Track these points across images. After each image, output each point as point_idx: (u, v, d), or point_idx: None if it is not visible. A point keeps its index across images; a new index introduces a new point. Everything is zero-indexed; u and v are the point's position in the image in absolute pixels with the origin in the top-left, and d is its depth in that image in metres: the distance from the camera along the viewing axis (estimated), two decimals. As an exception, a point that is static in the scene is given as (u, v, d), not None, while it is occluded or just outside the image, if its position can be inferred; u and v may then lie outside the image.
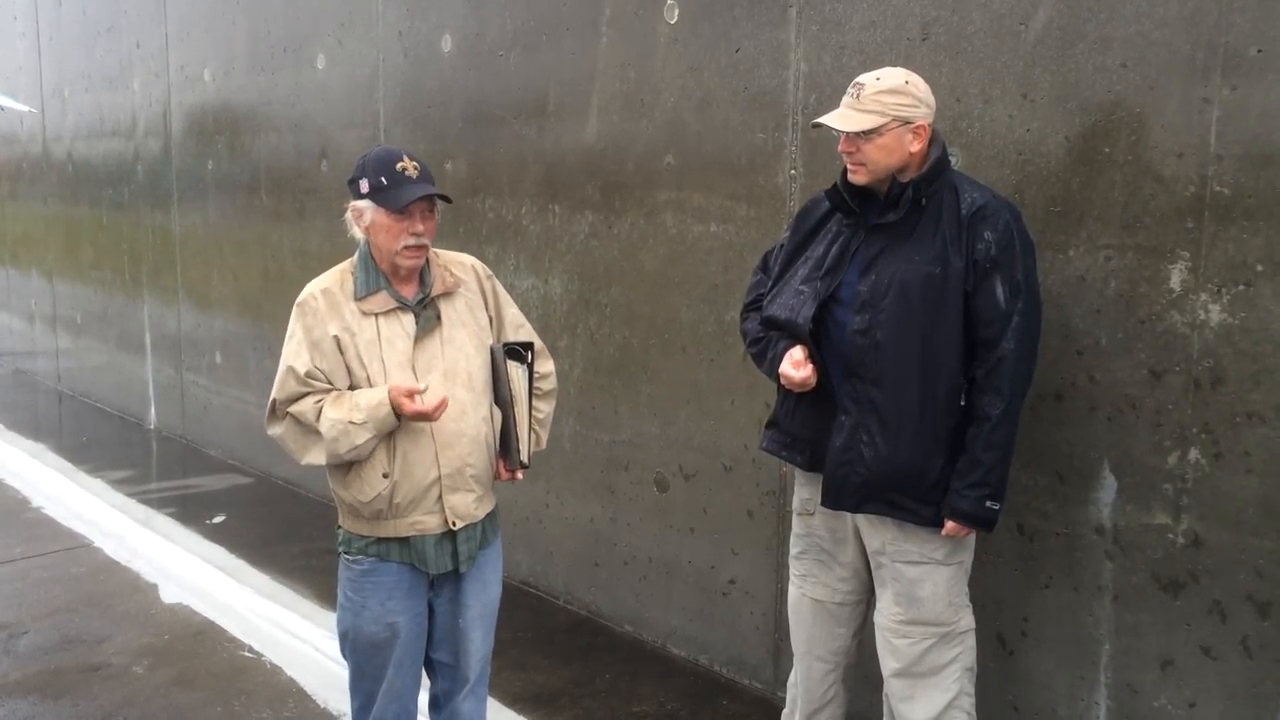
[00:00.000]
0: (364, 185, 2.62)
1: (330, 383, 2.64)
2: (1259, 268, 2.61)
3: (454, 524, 2.69)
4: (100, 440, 7.85)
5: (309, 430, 2.61)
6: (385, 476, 2.63)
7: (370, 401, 2.55)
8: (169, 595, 4.91)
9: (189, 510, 6.13)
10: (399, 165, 2.60)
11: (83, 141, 8.77)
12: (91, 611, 4.71)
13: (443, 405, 2.57)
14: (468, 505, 2.71)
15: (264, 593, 4.87)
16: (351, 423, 2.55)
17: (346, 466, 2.67)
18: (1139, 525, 2.87)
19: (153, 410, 8.14)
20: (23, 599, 4.85)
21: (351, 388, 2.64)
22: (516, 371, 2.74)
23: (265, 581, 5.01)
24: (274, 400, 2.66)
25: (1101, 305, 2.88)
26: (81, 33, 8.50)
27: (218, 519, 5.96)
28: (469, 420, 2.68)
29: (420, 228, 2.62)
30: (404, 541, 2.70)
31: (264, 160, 6.53)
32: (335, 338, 2.63)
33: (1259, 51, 2.56)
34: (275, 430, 2.68)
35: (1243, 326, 2.65)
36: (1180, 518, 2.79)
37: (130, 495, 6.38)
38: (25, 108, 8.16)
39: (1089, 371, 2.92)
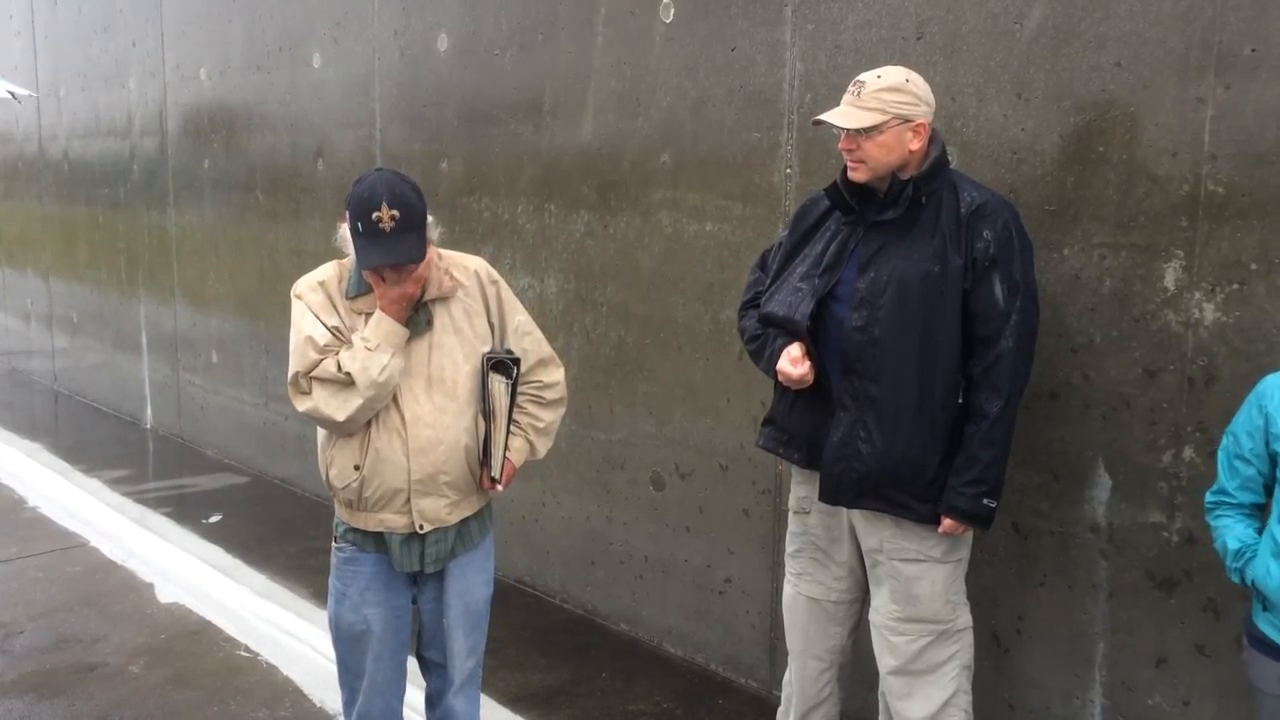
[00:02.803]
0: (347, 218, 2.56)
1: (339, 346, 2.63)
2: (1253, 266, 2.61)
3: (420, 527, 2.68)
4: (96, 440, 7.84)
5: (338, 382, 2.56)
6: (356, 469, 2.64)
7: (371, 325, 2.56)
8: (165, 595, 4.90)
9: (185, 510, 6.12)
10: (375, 215, 2.47)
11: (79, 141, 8.76)
12: (87, 611, 4.71)
13: (404, 295, 2.55)
14: (438, 510, 2.70)
15: (260, 592, 4.87)
16: (367, 349, 2.55)
17: (331, 444, 2.68)
18: (1133, 523, 2.88)
19: (149, 409, 8.14)
20: (18, 598, 4.84)
21: None
22: (499, 385, 2.70)
23: (262, 581, 5.01)
24: (295, 374, 2.62)
25: (1096, 304, 2.89)
26: (77, 31, 8.48)
27: (214, 518, 5.95)
28: (448, 428, 2.66)
29: (395, 276, 2.55)
30: (377, 535, 2.72)
31: (260, 159, 6.53)
32: (334, 328, 2.64)
33: (1253, 50, 2.57)
34: (305, 404, 2.61)
35: (1236, 325, 2.65)
36: (1174, 516, 2.80)
37: (126, 495, 6.38)
38: (25, 91, 8.09)
39: (1083, 370, 2.93)
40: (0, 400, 9.25)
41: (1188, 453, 2.76)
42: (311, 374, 2.59)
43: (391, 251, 2.49)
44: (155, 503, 6.25)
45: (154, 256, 7.85)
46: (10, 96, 7.45)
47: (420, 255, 2.53)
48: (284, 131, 6.26)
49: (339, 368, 2.56)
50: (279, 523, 5.87)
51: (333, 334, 2.62)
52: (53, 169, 9.32)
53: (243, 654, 4.31)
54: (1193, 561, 2.78)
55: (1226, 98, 2.62)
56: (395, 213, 2.47)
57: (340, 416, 2.58)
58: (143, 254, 7.99)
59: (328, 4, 5.74)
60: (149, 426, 8.13)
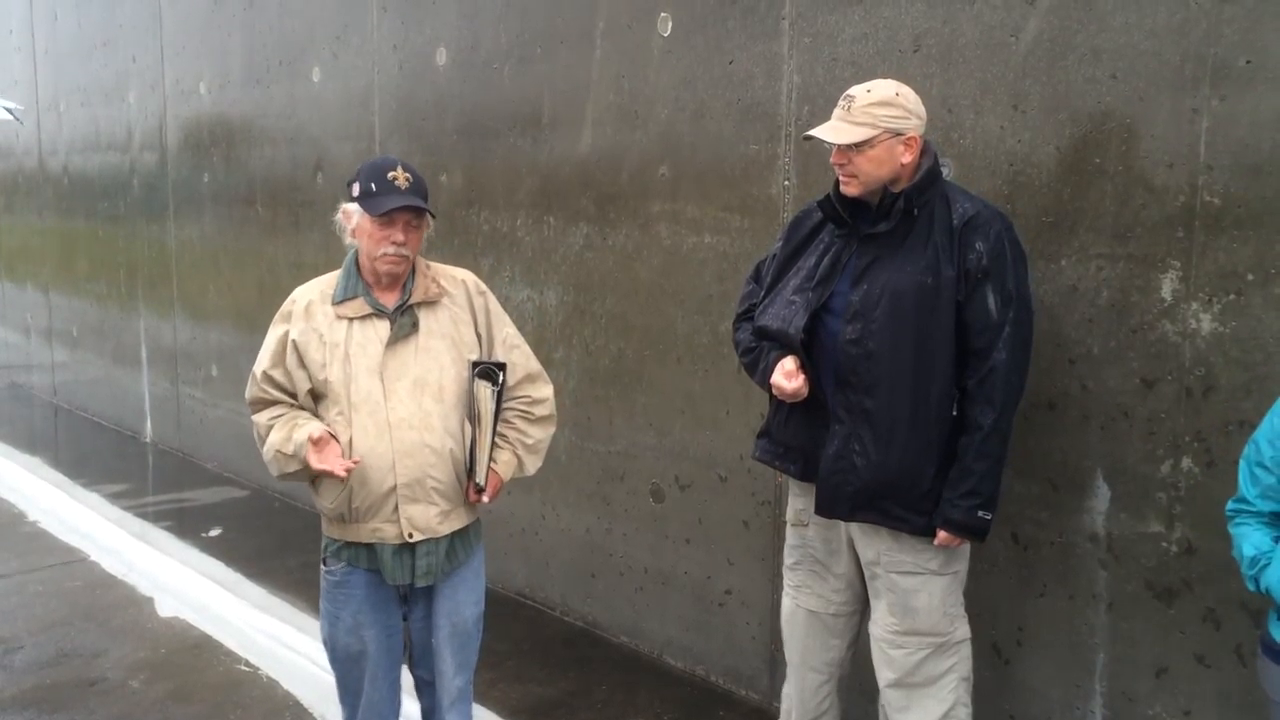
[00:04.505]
0: (355, 189, 2.68)
1: (289, 389, 2.70)
2: (1249, 277, 2.62)
3: (410, 535, 2.68)
4: (96, 453, 7.84)
5: (262, 441, 2.72)
6: (343, 481, 2.65)
7: (300, 438, 2.60)
8: (165, 609, 4.90)
9: (185, 523, 6.12)
10: (390, 174, 2.63)
11: (78, 155, 8.78)
12: (88, 625, 4.71)
13: (343, 464, 2.57)
14: (428, 519, 2.70)
15: (261, 606, 4.85)
16: (280, 452, 2.63)
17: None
18: (1133, 533, 2.88)
19: (149, 423, 8.14)
20: (19, 613, 4.84)
21: (312, 392, 2.69)
22: (484, 391, 2.71)
23: (262, 594, 5.00)
24: (247, 400, 2.77)
25: (1093, 314, 2.89)
26: (77, 46, 8.52)
27: (214, 532, 5.95)
28: (434, 432, 2.67)
29: (401, 237, 2.64)
30: (369, 548, 2.72)
31: (259, 173, 6.55)
32: (293, 341, 2.69)
33: (1247, 62, 2.58)
34: (253, 430, 2.76)
35: (1234, 335, 2.66)
36: (1173, 526, 2.80)
37: (126, 509, 6.37)
38: (18, 106, 8.08)
39: (1081, 380, 2.93)
40: (0, 415, 9.25)
41: (1186, 463, 2.76)
42: (253, 414, 2.74)
43: (408, 198, 2.63)
44: (155, 516, 6.25)
45: (154, 270, 7.86)
46: (10, 115, 7.46)
47: (431, 211, 2.71)
48: (283, 145, 6.28)
49: (266, 433, 2.69)
50: (279, 536, 5.86)
51: (290, 346, 2.70)
52: (53, 183, 9.34)
53: (243, 668, 4.31)
54: (1192, 571, 2.78)
55: (1222, 109, 2.63)
56: (409, 176, 2.66)
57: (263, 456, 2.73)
58: (142, 268, 8.01)
59: (327, 18, 5.77)
60: (149, 440, 8.14)
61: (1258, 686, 2.37)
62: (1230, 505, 2.29)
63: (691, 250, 3.97)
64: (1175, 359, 2.76)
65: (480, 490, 2.74)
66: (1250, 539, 2.22)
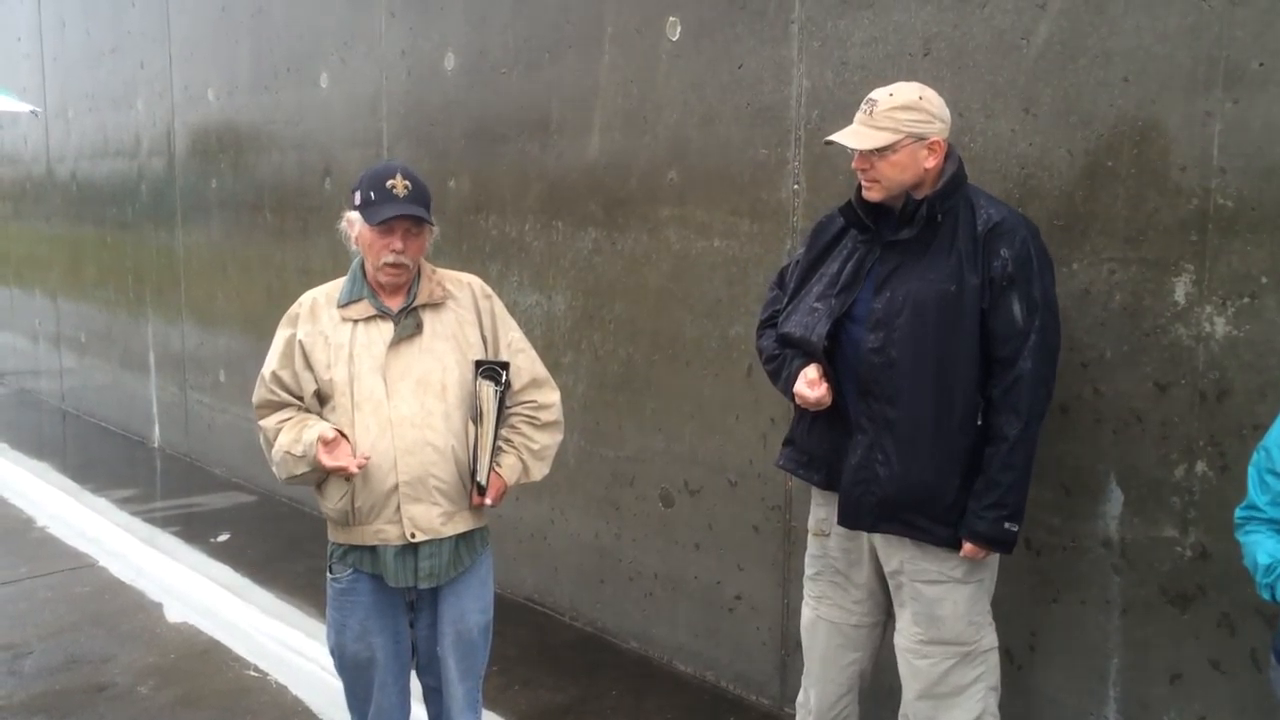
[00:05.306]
0: (357, 197, 2.69)
1: (296, 391, 2.71)
2: (1263, 280, 2.61)
3: (412, 535, 2.67)
4: (104, 459, 7.84)
5: (270, 445, 2.72)
6: (347, 480, 2.66)
7: (310, 437, 2.60)
8: (174, 614, 4.90)
9: (193, 529, 6.12)
10: (389, 182, 2.64)
11: (87, 161, 8.80)
12: (96, 631, 4.71)
13: (354, 462, 2.58)
14: (431, 519, 2.69)
15: (269, 611, 4.85)
16: (289, 453, 2.64)
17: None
18: (1146, 538, 2.86)
19: (157, 429, 8.15)
20: (27, 619, 4.84)
21: (318, 394, 2.70)
22: (487, 390, 2.72)
23: (270, 600, 5.00)
24: (255, 404, 2.79)
25: (1106, 318, 2.88)
26: (85, 53, 8.54)
27: (222, 537, 5.95)
28: (437, 431, 2.68)
29: (400, 245, 2.65)
30: (373, 550, 2.72)
31: (267, 179, 6.56)
32: (299, 342, 2.70)
33: (1260, 65, 2.57)
34: (260, 435, 2.77)
35: (1248, 339, 2.65)
36: (1187, 530, 2.79)
37: (135, 514, 6.38)
38: (29, 107, 8.12)
39: (1094, 384, 2.92)
40: (9, 420, 9.27)
41: (1200, 467, 2.75)
42: (261, 419, 2.75)
43: (405, 207, 2.63)
44: (164, 522, 6.25)
45: (162, 276, 7.88)
46: (32, 114, 7.48)
47: (429, 220, 2.69)
48: (291, 151, 6.29)
49: (275, 435, 2.70)
50: (287, 541, 5.86)
51: (297, 346, 2.72)
52: (60, 190, 9.36)
53: (252, 674, 4.30)
54: (1206, 576, 2.76)
55: (1234, 112, 2.62)
56: (408, 183, 2.66)
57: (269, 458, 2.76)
58: (150, 274, 8.02)
59: (335, 24, 5.78)
60: (157, 445, 8.14)
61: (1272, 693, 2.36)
62: (1239, 512, 2.27)
63: (700, 255, 3.96)
64: (1189, 363, 2.75)
65: (482, 491, 2.73)
66: (1264, 547, 2.20)
